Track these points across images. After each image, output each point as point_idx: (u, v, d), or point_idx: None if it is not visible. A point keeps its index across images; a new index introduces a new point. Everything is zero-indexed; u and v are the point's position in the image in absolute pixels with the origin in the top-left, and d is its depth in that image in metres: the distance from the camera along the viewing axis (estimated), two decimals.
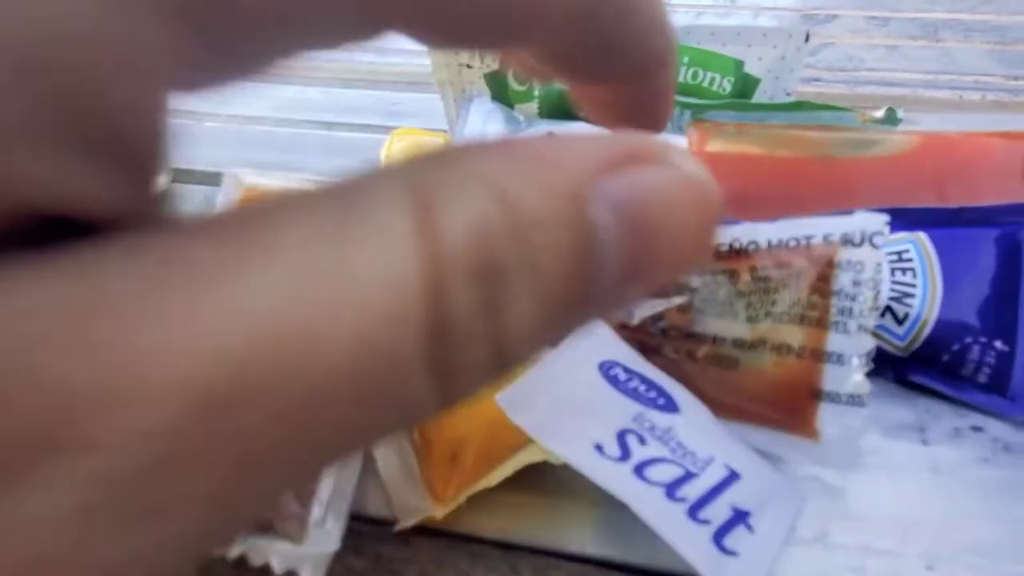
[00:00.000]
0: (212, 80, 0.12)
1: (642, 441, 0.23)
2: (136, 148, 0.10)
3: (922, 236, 0.30)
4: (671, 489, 0.22)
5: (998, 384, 0.28)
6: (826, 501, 0.24)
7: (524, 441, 0.26)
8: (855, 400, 0.23)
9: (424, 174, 0.11)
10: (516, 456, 0.26)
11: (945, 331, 0.27)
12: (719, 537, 0.22)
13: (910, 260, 0.29)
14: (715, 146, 0.38)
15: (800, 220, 0.29)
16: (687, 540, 0.21)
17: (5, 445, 0.08)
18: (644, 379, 0.25)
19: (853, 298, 0.24)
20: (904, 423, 0.28)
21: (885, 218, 0.24)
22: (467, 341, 0.11)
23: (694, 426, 0.23)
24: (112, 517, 0.09)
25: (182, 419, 0.09)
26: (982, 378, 0.28)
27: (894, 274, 0.29)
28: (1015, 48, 0.51)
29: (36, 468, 0.08)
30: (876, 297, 0.24)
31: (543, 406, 0.24)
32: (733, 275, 0.26)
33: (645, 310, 0.27)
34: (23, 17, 0.09)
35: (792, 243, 0.26)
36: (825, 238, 0.25)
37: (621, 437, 0.23)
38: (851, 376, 0.23)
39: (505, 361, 0.12)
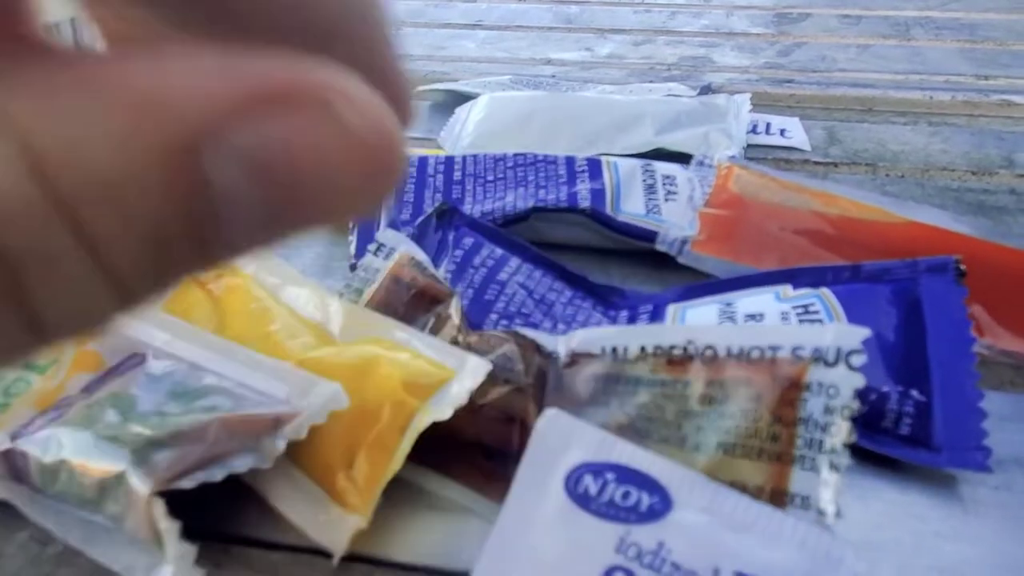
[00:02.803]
0: None
1: None
2: None
3: (826, 291, 0.28)
4: None
5: (920, 436, 0.26)
6: None
7: (410, 412, 0.24)
8: None
9: None
10: (409, 430, 0.24)
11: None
12: None
13: (816, 312, 0.28)
14: (738, 187, 0.39)
15: (768, 327, 0.27)
16: None
17: None
18: (621, 473, 0.20)
19: (824, 428, 0.21)
20: None
21: (865, 333, 0.21)
22: None
23: (692, 526, 0.19)
24: None
25: None
26: (904, 429, 0.26)
27: (803, 325, 0.27)
28: (984, 47, 0.51)
29: None
30: (852, 431, 0.20)
31: None
32: (684, 388, 0.23)
33: None
34: None
35: (755, 353, 0.22)
36: (794, 351, 0.22)
37: None
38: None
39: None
